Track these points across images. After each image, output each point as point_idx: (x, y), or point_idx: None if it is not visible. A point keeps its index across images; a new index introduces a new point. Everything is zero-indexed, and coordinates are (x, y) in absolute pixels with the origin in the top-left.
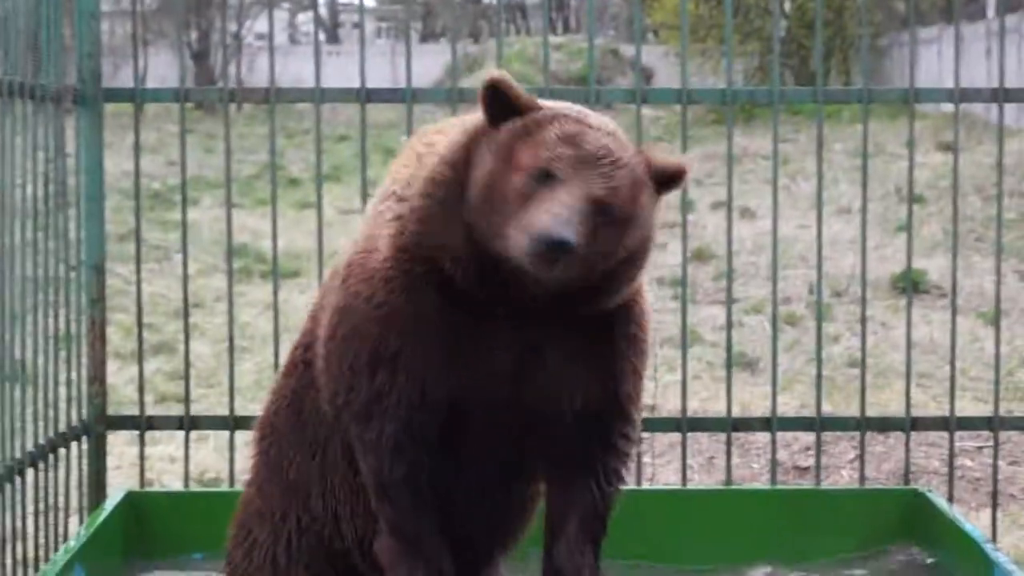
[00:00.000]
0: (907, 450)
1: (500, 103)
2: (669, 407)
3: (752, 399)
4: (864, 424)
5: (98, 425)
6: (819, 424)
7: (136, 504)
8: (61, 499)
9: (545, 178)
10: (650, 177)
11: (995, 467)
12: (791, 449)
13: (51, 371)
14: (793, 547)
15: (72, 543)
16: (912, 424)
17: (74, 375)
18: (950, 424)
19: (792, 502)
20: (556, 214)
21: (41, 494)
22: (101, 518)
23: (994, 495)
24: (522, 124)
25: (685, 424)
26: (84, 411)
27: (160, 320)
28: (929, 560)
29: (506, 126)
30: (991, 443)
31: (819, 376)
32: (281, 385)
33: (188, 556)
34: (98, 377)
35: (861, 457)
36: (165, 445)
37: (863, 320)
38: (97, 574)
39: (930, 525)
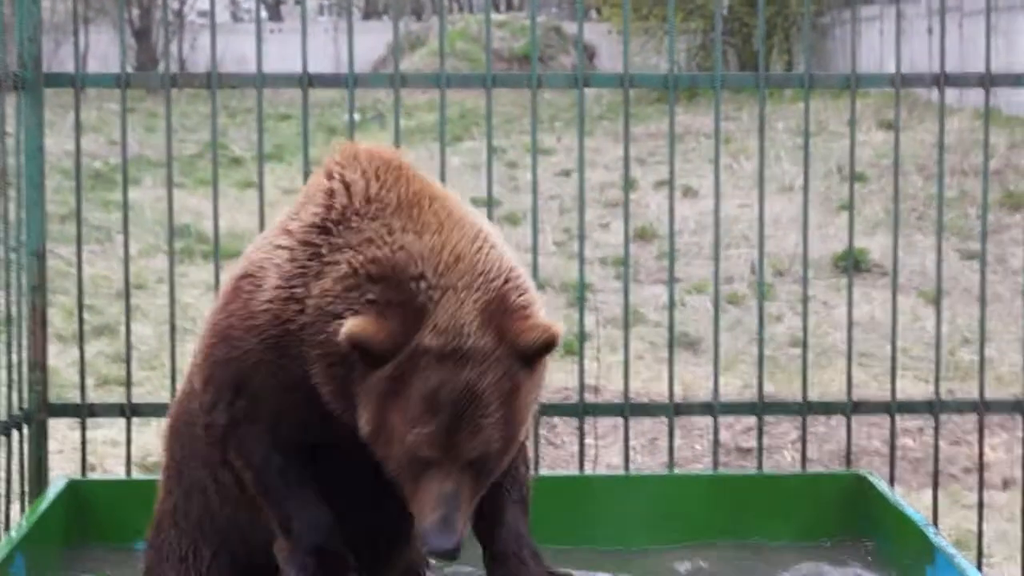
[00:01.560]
0: (848, 433)
1: (365, 353)
2: (612, 388)
3: (695, 379)
4: (806, 408)
5: (39, 413)
6: (761, 408)
7: (77, 492)
8: (2, 488)
9: (418, 461)
10: (523, 363)
11: (936, 449)
12: (733, 430)
13: None
14: (735, 531)
15: (13, 533)
16: (853, 408)
17: (15, 359)
18: (891, 408)
19: (734, 487)
20: (437, 518)
21: None
22: (42, 507)
23: (935, 476)
24: (387, 376)
25: (627, 409)
26: (25, 398)
27: (102, 302)
28: (871, 544)
29: (376, 375)
30: (932, 424)
31: (761, 360)
32: (182, 392)
33: (130, 544)
34: (39, 364)
35: (803, 440)
36: (107, 429)
37: (804, 300)
38: (38, 563)
39: (872, 509)
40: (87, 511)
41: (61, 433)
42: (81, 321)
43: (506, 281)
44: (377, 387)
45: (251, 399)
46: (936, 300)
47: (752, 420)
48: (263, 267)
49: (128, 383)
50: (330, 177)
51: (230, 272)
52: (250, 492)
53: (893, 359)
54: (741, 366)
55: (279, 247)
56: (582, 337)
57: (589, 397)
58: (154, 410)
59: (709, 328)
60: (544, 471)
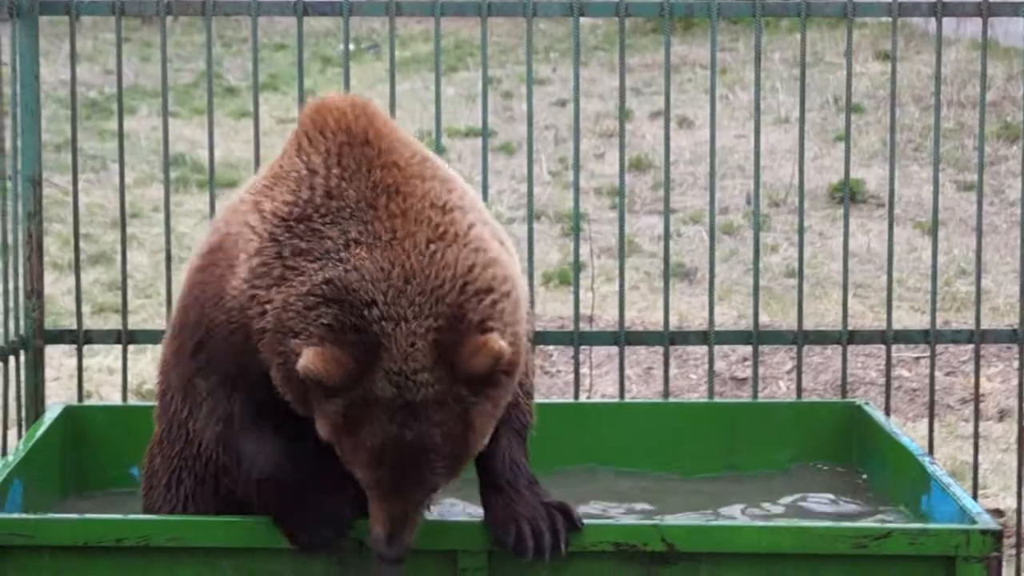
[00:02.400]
0: (844, 363)
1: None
2: (607, 318)
3: (690, 309)
4: (802, 337)
5: (36, 339)
6: (756, 337)
7: (74, 418)
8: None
9: (373, 485)
10: (474, 391)
11: (932, 379)
12: (729, 360)
13: None
14: (730, 459)
15: (10, 458)
16: (849, 337)
17: (11, 286)
18: (887, 337)
19: (729, 415)
20: (385, 534)
21: None
22: (39, 432)
23: (931, 406)
24: (341, 411)
25: (623, 337)
26: (21, 325)
27: (97, 231)
28: (865, 473)
29: (332, 405)
30: (928, 354)
31: (756, 288)
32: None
33: (126, 470)
34: (35, 291)
35: (798, 369)
36: (103, 357)
37: (800, 230)
38: (35, 489)
39: (867, 438)
40: (84, 437)
41: (57, 361)
42: (77, 248)
43: (461, 291)
44: (332, 416)
45: (210, 358)
46: (932, 231)
47: (747, 350)
48: (236, 245)
49: (124, 310)
50: (299, 151)
51: (212, 225)
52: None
53: (889, 289)
54: (736, 296)
55: (251, 228)
56: (577, 267)
57: (584, 327)
58: (150, 337)
59: (704, 258)
60: (539, 400)
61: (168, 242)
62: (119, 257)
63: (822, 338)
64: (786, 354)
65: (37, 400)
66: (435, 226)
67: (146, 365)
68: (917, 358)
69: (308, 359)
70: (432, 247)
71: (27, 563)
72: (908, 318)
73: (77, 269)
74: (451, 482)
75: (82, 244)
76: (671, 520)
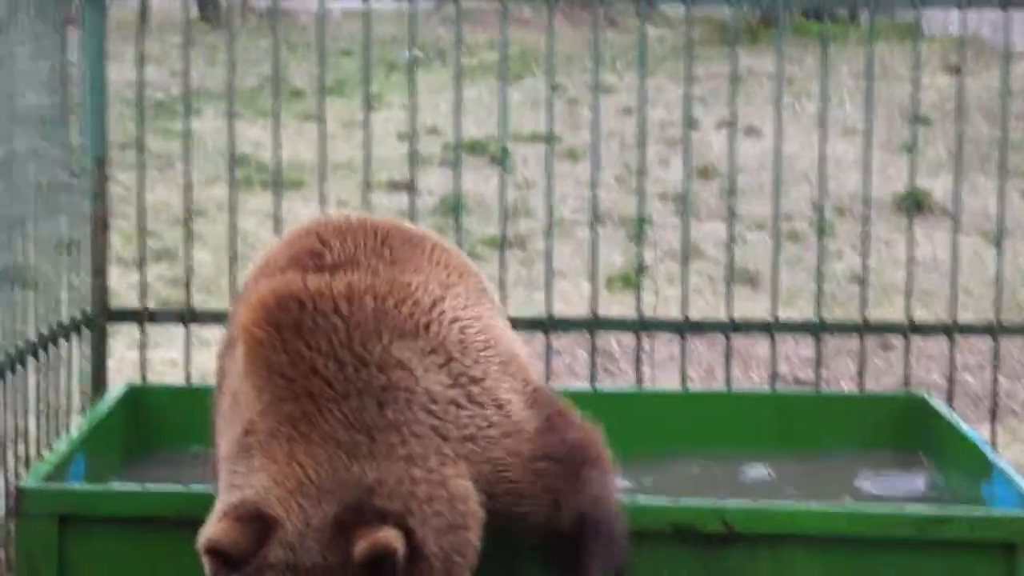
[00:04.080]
0: (907, 355)
1: (221, 562)
2: (670, 316)
3: (753, 311)
4: (864, 328)
5: (99, 318)
6: (819, 327)
7: (137, 397)
8: (63, 394)
9: None
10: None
11: (995, 376)
12: (791, 362)
13: (53, 275)
14: (792, 449)
15: (73, 433)
16: (912, 328)
17: (75, 280)
18: (950, 329)
19: (792, 405)
20: None
21: (43, 386)
22: (102, 409)
23: (993, 404)
24: None
25: (686, 326)
26: (86, 306)
27: (161, 227)
28: (927, 461)
29: None
30: (992, 359)
31: (820, 277)
32: None
33: (187, 449)
34: (99, 270)
35: (861, 359)
36: (166, 350)
37: (866, 222)
38: (97, 464)
39: (929, 428)
40: (146, 416)
41: (119, 353)
42: (142, 229)
43: (369, 491)
44: None
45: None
46: (997, 238)
47: (809, 354)
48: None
49: (188, 289)
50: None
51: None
52: None
53: (953, 279)
54: (800, 301)
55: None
56: (640, 267)
57: (648, 314)
58: (213, 318)
59: (768, 264)
60: (600, 387)
61: (233, 239)
62: (182, 253)
63: (885, 329)
64: (848, 357)
65: (99, 379)
66: (348, 436)
67: (209, 358)
68: (981, 364)
69: (208, 533)
70: (341, 453)
71: (87, 534)
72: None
73: (142, 242)
74: None
75: (146, 240)
76: (731, 502)
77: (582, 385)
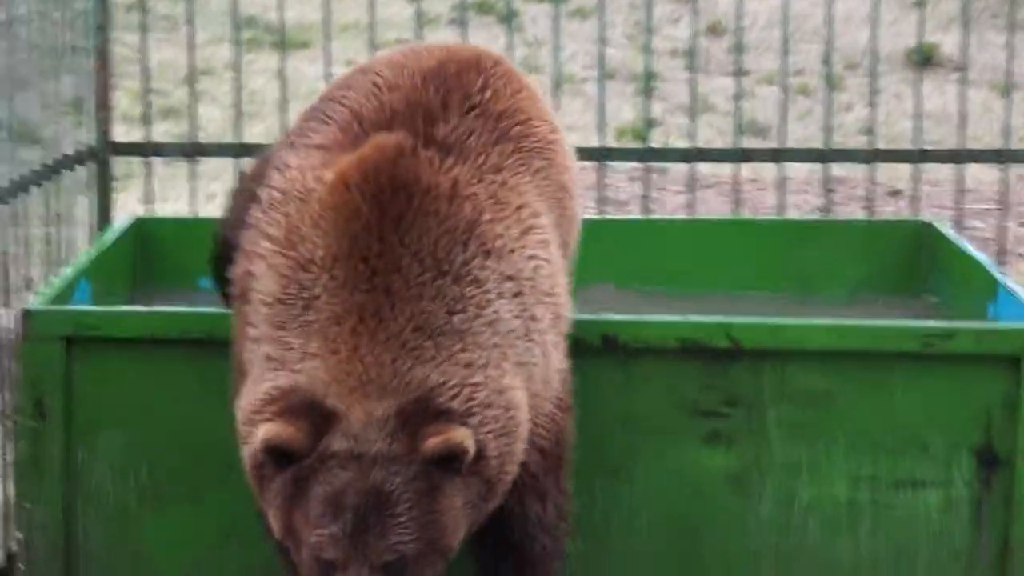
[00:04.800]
0: (916, 184)
1: (280, 455)
2: (680, 168)
3: (761, 163)
4: (873, 156)
5: (103, 150)
6: (828, 155)
7: (144, 229)
8: (67, 225)
9: (326, 566)
10: (436, 469)
11: (1005, 198)
12: (801, 209)
13: (60, 132)
14: (800, 276)
15: (80, 259)
16: (922, 155)
17: (80, 139)
18: (960, 156)
19: (800, 232)
20: None
21: (47, 217)
22: (108, 239)
23: (1002, 243)
24: (292, 478)
25: (694, 153)
26: (89, 136)
27: (168, 86)
28: (934, 288)
29: (280, 476)
30: (1000, 206)
31: (830, 99)
32: None
33: (194, 282)
34: (103, 104)
35: (869, 191)
36: (173, 203)
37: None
38: (103, 292)
39: (937, 253)
40: (152, 247)
41: (120, 202)
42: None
43: (431, 390)
44: (283, 490)
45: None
46: (1006, 90)
47: (819, 201)
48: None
49: (192, 123)
50: (315, 223)
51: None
52: None
53: (962, 123)
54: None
55: (265, 241)
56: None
57: (656, 145)
58: (218, 150)
59: (778, 116)
60: (606, 216)
61: (239, 96)
62: (188, 110)
63: (895, 157)
64: (856, 203)
65: (104, 211)
66: (404, 343)
67: (214, 209)
68: (988, 208)
69: (265, 431)
70: (401, 359)
71: (94, 356)
72: (981, 173)
73: (146, 78)
74: (426, 567)
75: (152, 98)
76: (737, 318)
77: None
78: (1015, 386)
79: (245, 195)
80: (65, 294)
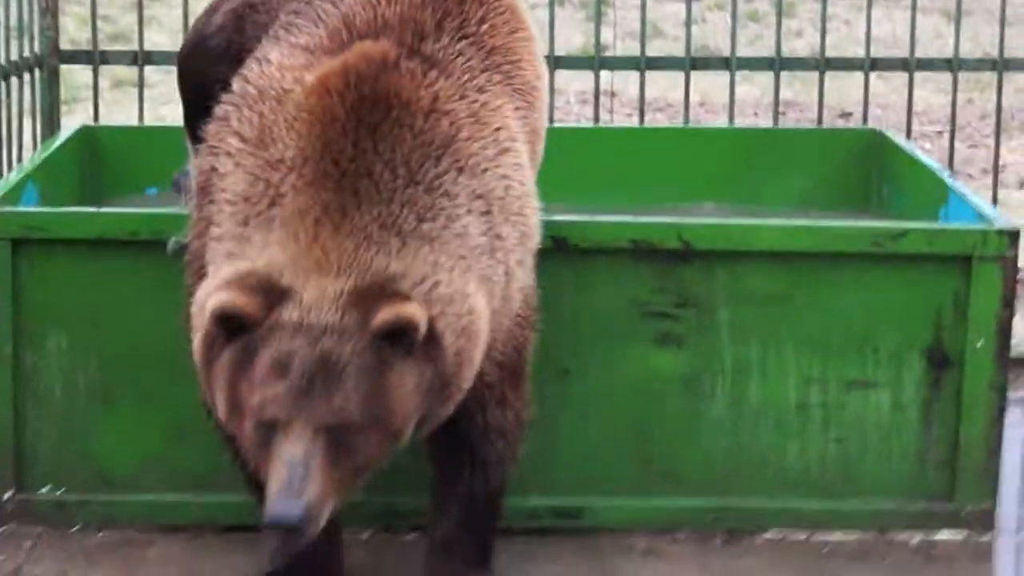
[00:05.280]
0: (866, 92)
1: (230, 325)
2: (629, 94)
3: (713, 88)
4: (824, 64)
5: (51, 58)
6: (779, 64)
7: (91, 136)
8: (14, 134)
9: (269, 428)
10: (387, 344)
11: (953, 106)
12: (756, 120)
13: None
14: (750, 186)
15: (26, 164)
16: (872, 64)
17: (26, 17)
18: (910, 65)
19: (750, 141)
20: (280, 485)
21: None
22: (56, 144)
23: (951, 141)
24: (241, 347)
25: (643, 62)
26: (36, 44)
27: (115, 12)
28: (885, 193)
29: (229, 348)
30: (948, 129)
31: (780, 7)
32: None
33: (141, 191)
34: (50, 10)
35: (820, 96)
36: (124, 109)
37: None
38: (50, 197)
39: (887, 160)
40: (100, 155)
41: (66, 123)
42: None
43: (391, 277)
44: (230, 360)
45: None
46: (956, 18)
47: (767, 97)
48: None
49: (140, 28)
50: (289, 127)
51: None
52: None
53: (912, 49)
54: (760, 77)
55: (234, 139)
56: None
57: (607, 54)
58: (166, 58)
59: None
60: (558, 124)
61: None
62: (136, 36)
63: (845, 65)
64: (809, 124)
65: (52, 119)
66: (366, 237)
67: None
68: (940, 132)
69: (217, 299)
70: (362, 248)
71: (41, 258)
72: (933, 98)
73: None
74: (372, 442)
75: (99, 23)
76: (688, 218)
77: None
78: (965, 286)
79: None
80: (12, 197)
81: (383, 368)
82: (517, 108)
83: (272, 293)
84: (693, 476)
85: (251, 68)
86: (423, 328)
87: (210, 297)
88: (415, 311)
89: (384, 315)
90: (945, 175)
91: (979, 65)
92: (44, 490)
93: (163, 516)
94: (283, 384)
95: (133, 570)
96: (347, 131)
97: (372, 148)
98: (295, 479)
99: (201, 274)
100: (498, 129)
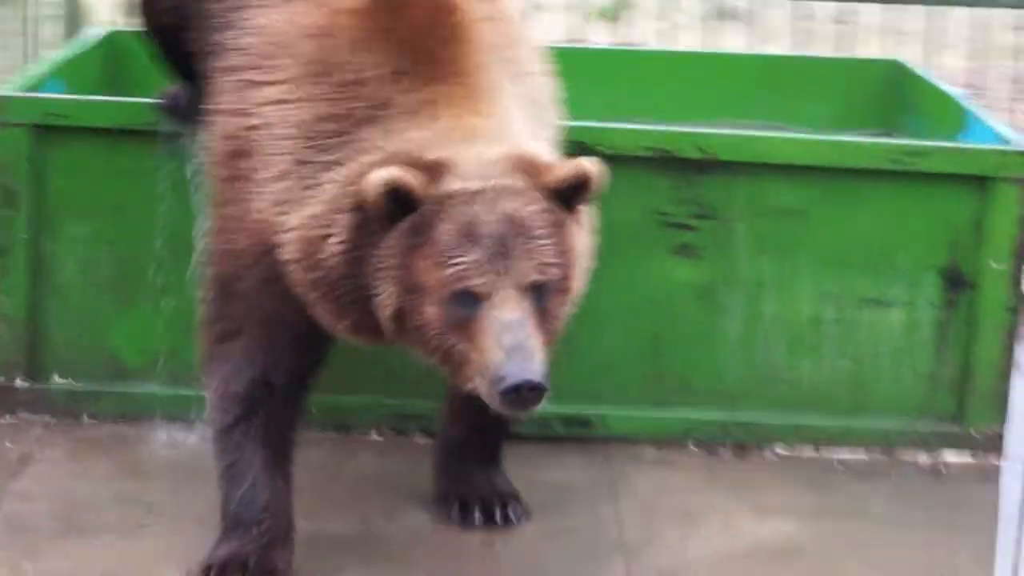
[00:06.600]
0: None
1: (396, 203)
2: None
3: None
4: None
5: None
6: None
7: (117, 41)
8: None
9: (468, 299)
10: (560, 205)
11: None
12: None
13: None
14: (771, 110)
15: (53, 57)
16: None
17: None
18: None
19: (773, 67)
20: (510, 350)
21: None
22: (81, 44)
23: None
24: (409, 226)
25: None
26: None
27: None
28: (904, 122)
29: (394, 232)
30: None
31: None
32: None
33: None
34: None
35: (838, 30)
36: None
37: None
38: (74, 92)
39: (909, 89)
40: (126, 59)
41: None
42: None
43: (533, 147)
44: (398, 244)
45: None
46: None
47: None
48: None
49: None
50: (353, 47)
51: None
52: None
53: None
54: (782, 38)
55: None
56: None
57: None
58: None
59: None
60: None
61: None
62: None
63: None
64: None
65: (75, 23)
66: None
67: None
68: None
69: (383, 176)
70: (501, 123)
71: (64, 145)
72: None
73: None
74: (563, 301)
75: None
76: (709, 130)
77: None
78: (983, 207)
79: None
80: (37, 86)
81: (563, 227)
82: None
83: (428, 167)
84: (705, 388)
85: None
86: (598, 183)
87: (368, 178)
88: (591, 165)
89: (563, 171)
90: (964, 101)
91: None
92: (56, 379)
93: (174, 409)
94: (476, 250)
95: (142, 461)
96: (421, 39)
97: (460, 51)
98: (523, 341)
99: (251, 232)
100: (535, 48)
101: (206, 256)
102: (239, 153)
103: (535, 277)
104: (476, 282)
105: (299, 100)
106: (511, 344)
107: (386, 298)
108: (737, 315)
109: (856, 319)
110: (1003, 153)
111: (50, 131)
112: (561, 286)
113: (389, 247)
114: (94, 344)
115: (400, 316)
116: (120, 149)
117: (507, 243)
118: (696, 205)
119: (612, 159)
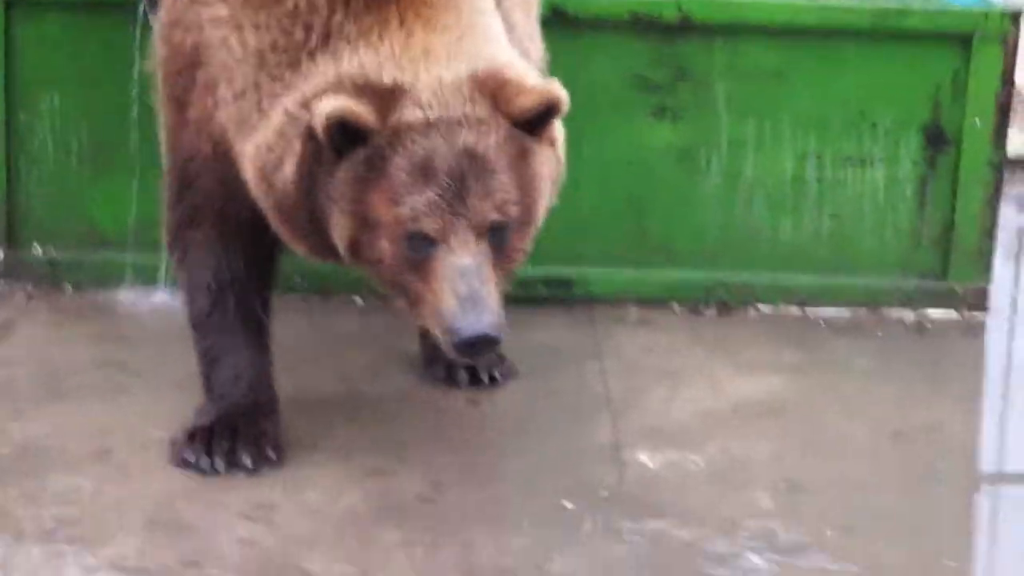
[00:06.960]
0: None
1: (346, 135)
2: None
3: None
4: None
5: None
6: None
7: None
8: None
9: (422, 240)
10: (522, 131)
11: None
12: None
13: None
14: None
15: None
16: None
17: None
18: None
19: None
20: (462, 300)
21: None
22: None
23: None
24: (362, 159)
25: None
26: None
27: None
28: None
29: (345, 164)
30: None
31: None
32: None
33: None
34: None
35: None
36: None
37: None
38: None
39: None
40: None
41: None
42: None
43: (503, 64)
44: (351, 177)
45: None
46: None
47: None
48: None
49: None
50: None
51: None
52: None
53: None
54: None
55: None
56: None
57: None
58: None
59: None
60: None
61: None
62: None
63: None
64: None
65: None
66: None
67: None
68: None
69: (330, 106)
70: (464, 41)
71: (34, 19)
72: None
73: None
74: (524, 238)
75: None
76: None
77: None
78: (965, 65)
79: None
80: None
81: (526, 157)
82: None
83: (380, 94)
84: (686, 249)
85: None
86: (567, 106)
87: (316, 109)
88: (559, 89)
89: (529, 98)
90: None
91: None
92: (36, 248)
93: (155, 276)
94: (432, 189)
95: (123, 327)
96: None
97: None
98: (477, 290)
99: (213, 137)
100: None
101: (168, 145)
102: (194, 64)
103: (494, 217)
104: (431, 224)
105: (239, 29)
106: (466, 293)
107: (341, 230)
108: (717, 175)
109: (837, 177)
110: (986, 13)
111: (22, 5)
112: (523, 220)
113: (342, 179)
114: (72, 213)
115: (355, 248)
116: (93, 19)
117: (465, 181)
118: (675, 67)
119: (590, 24)
